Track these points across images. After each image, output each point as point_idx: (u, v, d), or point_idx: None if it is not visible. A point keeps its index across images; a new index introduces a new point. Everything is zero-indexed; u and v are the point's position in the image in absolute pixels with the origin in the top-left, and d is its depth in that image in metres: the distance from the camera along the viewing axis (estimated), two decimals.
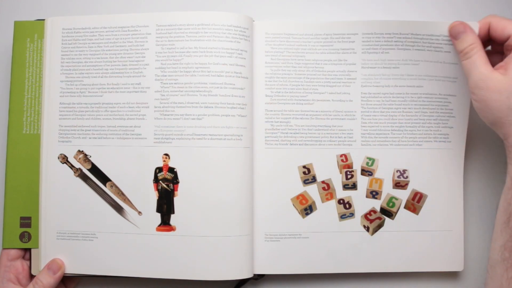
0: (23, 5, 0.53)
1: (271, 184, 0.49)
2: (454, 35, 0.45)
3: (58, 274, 0.47)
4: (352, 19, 0.53)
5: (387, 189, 0.50)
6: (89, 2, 0.53)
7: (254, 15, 0.50)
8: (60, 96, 0.49)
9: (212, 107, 0.47)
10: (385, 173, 0.50)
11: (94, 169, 0.49)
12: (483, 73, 0.42)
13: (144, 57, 0.49)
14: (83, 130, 0.49)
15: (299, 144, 0.49)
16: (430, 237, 0.50)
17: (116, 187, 0.48)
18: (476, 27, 0.46)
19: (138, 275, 0.48)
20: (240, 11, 0.49)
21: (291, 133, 0.49)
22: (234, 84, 0.47)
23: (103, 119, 0.49)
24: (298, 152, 0.49)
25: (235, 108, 0.47)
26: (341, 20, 0.52)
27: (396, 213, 0.50)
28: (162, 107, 0.48)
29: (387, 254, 0.50)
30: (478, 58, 0.43)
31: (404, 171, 0.50)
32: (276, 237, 0.49)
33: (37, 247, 0.48)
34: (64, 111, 0.49)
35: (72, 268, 0.48)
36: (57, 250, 0.48)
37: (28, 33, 0.50)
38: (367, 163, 0.50)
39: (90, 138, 0.49)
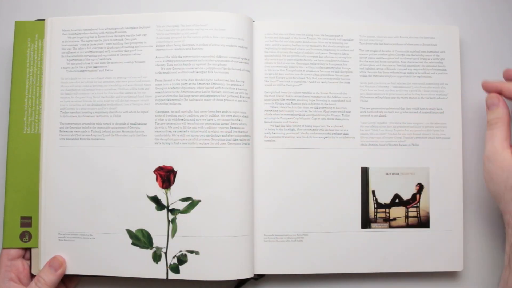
0: (24, 5, 0.53)
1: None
2: (488, 105, 0.46)
3: (60, 271, 0.47)
4: (349, 21, 0.53)
5: None
6: (89, 3, 0.53)
7: (254, 15, 0.50)
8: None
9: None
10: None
11: None
12: (496, 148, 0.43)
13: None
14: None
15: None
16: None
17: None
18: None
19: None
20: (239, 11, 0.49)
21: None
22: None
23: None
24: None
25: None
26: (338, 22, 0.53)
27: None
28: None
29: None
30: (498, 133, 0.44)
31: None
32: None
33: (37, 246, 0.48)
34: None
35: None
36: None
37: (29, 33, 0.50)
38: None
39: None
